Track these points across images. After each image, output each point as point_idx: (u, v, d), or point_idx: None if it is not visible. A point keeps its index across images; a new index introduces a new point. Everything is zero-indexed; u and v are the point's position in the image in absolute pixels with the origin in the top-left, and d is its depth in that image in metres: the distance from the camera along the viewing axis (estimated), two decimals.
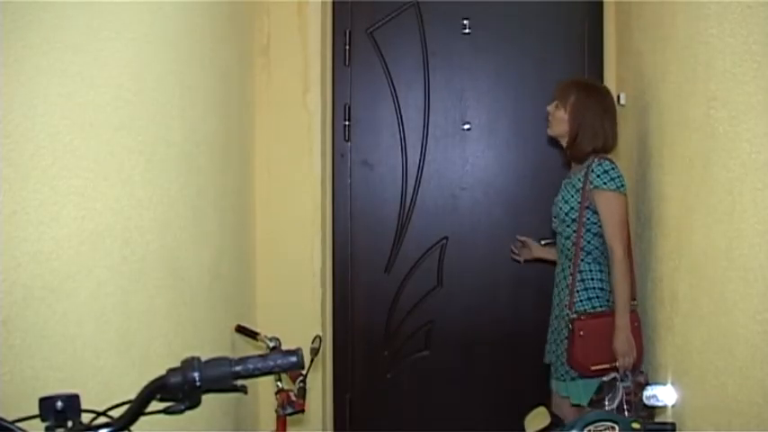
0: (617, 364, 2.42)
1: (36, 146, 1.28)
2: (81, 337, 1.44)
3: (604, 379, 2.45)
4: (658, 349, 2.40)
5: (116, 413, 1.05)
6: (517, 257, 2.98)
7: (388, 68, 3.34)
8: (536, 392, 3.06)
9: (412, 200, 3.36)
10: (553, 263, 2.78)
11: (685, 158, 2.12)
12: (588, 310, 2.52)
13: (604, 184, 2.49)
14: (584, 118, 2.58)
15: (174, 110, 2.01)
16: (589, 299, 2.54)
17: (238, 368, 1.05)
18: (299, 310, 3.14)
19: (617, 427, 1.92)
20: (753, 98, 1.66)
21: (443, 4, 3.32)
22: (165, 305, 1.91)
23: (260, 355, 1.07)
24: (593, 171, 2.51)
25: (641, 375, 2.46)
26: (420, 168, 3.36)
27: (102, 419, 1.04)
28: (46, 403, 1.00)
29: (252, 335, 2.57)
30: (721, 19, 1.83)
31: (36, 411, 1.00)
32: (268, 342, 2.46)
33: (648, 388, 2.03)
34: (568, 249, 2.62)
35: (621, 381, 2.42)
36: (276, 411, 2.34)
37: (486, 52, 3.32)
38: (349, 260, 3.37)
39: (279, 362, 1.06)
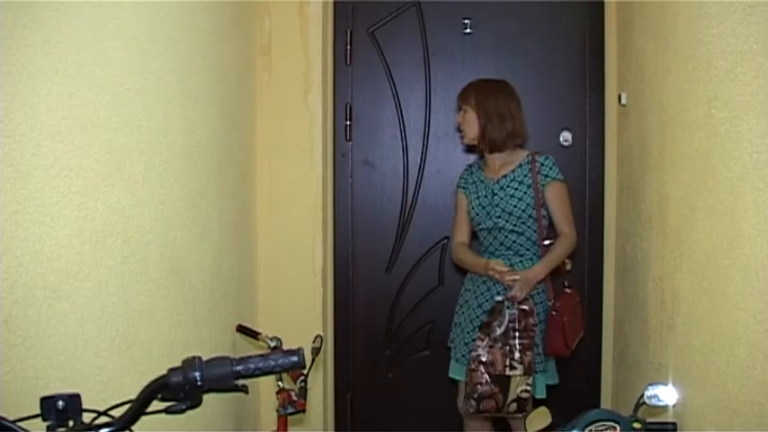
0: (509, 291, 2.58)
1: (37, 145, 1.28)
2: (82, 337, 1.44)
3: (497, 299, 2.62)
4: (659, 349, 2.40)
5: (117, 413, 1.05)
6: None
7: (389, 68, 3.34)
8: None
9: (413, 199, 3.36)
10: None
11: (686, 158, 2.12)
12: (556, 294, 2.71)
13: (557, 175, 2.70)
14: (489, 108, 2.72)
15: (176, 109, 2.01)
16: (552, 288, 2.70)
17: (239, 368, 1.05)
18: (300, 310, 3.14)
19: (618, 427, 1.92)
20: (754, 98, 1.66)
21: (444, 4, 3.32)
22: (165, 305, 1.91)
23: (261, 355, 1.07)
24: (543, 165, 2.69)
25: (526, 302, 2.60)
26: (421, 168, 3.36)
27: (104, 419, 1.04)
28: (47, 403, 1.00)
29: (253, 334, 2.57)
30: (722, 19, 1.83)
31: (37, 411, 1.01)
32: (269, 342, 2.46)
33: (650, 387, 2.03)
34: (520, 245, 2.70)
35: (508, 308, 2.56)
36: (277, 411, 2.34)
37: (487, 52, 3.32)
38: (350, 260, 3.37)
39: (280, 361, 1.07)
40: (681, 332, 2.17)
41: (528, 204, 2.67)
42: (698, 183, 2.01)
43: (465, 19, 3.31)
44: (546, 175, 2.68)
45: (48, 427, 1.01)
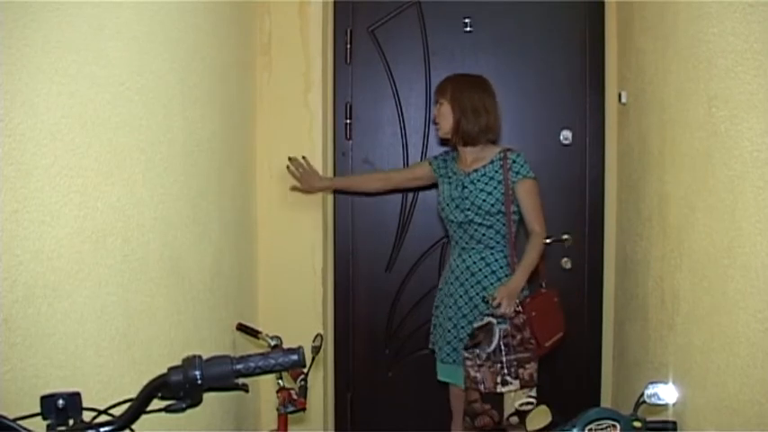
0: (498, 310, 2.57)
1: (37, 145, 1.28)
2: (82, 336, 1.44)
3: (476, 325, 2.60)
4: (659, 348, 2.40)
5: (117, 411, 1.05)
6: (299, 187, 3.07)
7: (389, 67, 3.34)
8: (536, 390, 3.07)
9: (413, 198, 3.36)
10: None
11: (686, 157, 2.12)
12: (525, 294, 2.71)
13: (528, 173, 2.73)
14: (464, 102, 2.75)
15: (176, 109, 2.01)
16: None
17: (240, 366, 1.05)
18: (300, 309, 3.14)
19: (618, 426, 1.92)
20: (754, 97, 1.66)
21: (444, 4, 3.32)
22: (166, 304, 1.91)
23: (261, 354, 1.07)
24: (514, 162, 2.72)
25: (517, 318, 2.59)
26: None
27: (104, 418, 1.04)
28: (47, 401, 1.00)
29: (253, 333, 2.57)
30: (722, 18, 1.83)
31: (37, 409, 1.01)
32: (269, 340, 2.46)
33: (650, 386, 2.03)
34: (490, 238, 2.74)
35: (499, 324, 2.56)
36: (277, 410, 2.34)
37: (487, 51, 3.31)
38: (350, 259, 3.37)
39: (280, 360, 1.07)
40: (681, 331, 2.17)
41: (497, 200, 2.71)
42: (698, 182, 2.01)
43: (465, 18, 3.30)
44: (517, 173, 2.72)
45: (48, 426, 1.01)
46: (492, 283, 2.72)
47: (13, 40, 1.21)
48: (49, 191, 1.32)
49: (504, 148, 2.79)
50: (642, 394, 2.03)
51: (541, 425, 2.11)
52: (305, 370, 2.30)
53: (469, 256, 2.77)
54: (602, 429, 1.92)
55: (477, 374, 2.53)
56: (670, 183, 2.30)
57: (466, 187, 2.76)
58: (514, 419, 2.53)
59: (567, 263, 3.29)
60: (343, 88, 3.34)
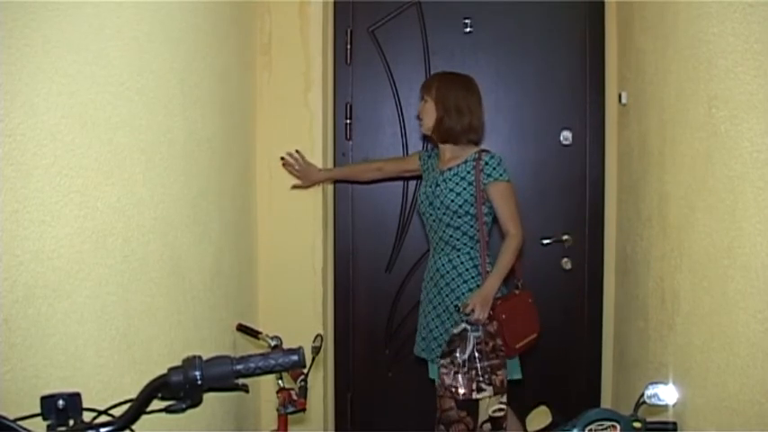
0: (471, 317, 2.55)
1: (37, 145, 1.28)
2: (82, 336, 1.44)
3: (455, 331, 2.58)
4: (659, 348, 2.40)
5: (117, 412, 1.05)
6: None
7: (389, 67, 3.34)
8: (537, 391, 3.07)
9: (413, 198, 3.36)
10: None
11: (686, 157, 2.12)
12: (497, 295, 2.65)
13: (500, 175, 2.68)
14: (447, 100, 2.73)
15: (176, 109, 2.01)
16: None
17: (240, 367, 1.05)
18: (300, 309, 3.14)
19: (618, 426, 1.92)
20: (754, 97, 1.66)
21: (445, 4, 3.32)
22: (166, 304, 1.91)
23: (261, 354, 1.07)
24: (486, 164, 2.68)
25: (490, 325, 2.58)
26: None
27: (104, 418, 1.04)
28: (47, 402, 1.00)
29: (253, 333, 2.57)
30: (723, 18, 1.83)
31: (37, 410, 1.01)
32: (269, 341, 2.46)
33: (650, 387, 2.03)
34: (456, 239, 2.71)
35: (473, 331, 2.54)
36: (277, 410, 2.34)
37: (487, 52, 3.32)
38: (350, 259, 3.37)
39: (280, 360, 1.07)
40: (681, 331, 2.17)
41: (466, 201, 2.68)
42: (698, 182, 2.01)
43: (465, 18, 3.31)
44: (489, 175, 2.67)
45: (48, 427, 1.01)
46: (459, 286, 2.69)
47: (13, 40, 1.21)
48: (49, 191, 1.32)
49: (480, 149, 2.75)
50: (642, 395, 2.03)
51: (541, 425, 2.11)
52: (305, 370, 2.30)
53: (439, 258, 2.76)
54: (602, 430, 1.92)
55: (453, 381, 2.52)
56: (670, 183, 2.30)
57: (438, 185, 2.75)
58: (487, 426, 2.53)
59: (567, 263, 3.29)
60: (344, 88, 3.34)
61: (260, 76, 3.11)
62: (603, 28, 3.26)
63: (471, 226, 2.70)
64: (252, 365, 1.05)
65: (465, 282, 2.69)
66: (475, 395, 2.51)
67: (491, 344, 2.56)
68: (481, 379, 2.51)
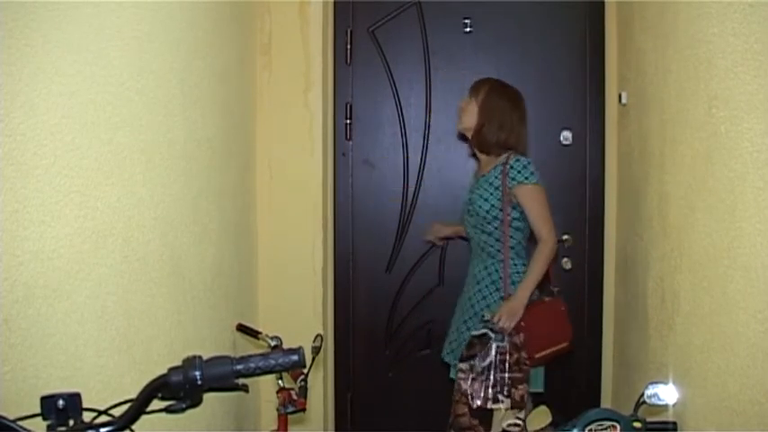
0: (497, 325, 2.51)
1: (37, 144, 1.28)
2: (82, 336, 1.44)
3: (474, 333, 2.55)
4: (659, 348, 2.40)
5: (117, 412, 1.05)
6: (431, 240, 3.22)
7: (389, 67, 3.34)
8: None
9: (413, 199, 3.36)
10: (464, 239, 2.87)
11: (686, 157, 2.12)
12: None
13: (525, 179, 2.61)
14: (492, 110, 2.70)
15: (176, 109, 2.01)
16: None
17: (240, 367, 1.05)
18: (300, 309, 3.14)
19: (618, 426, 1.92)
20: (754, 97, 1.66)
21: (445, 4, 3.32)
22: (166, 304, 1.91)
23: (261, 354, 1.07)
24: (511, 167, 2.62)
25: (517, 336, 2.52)
26: (421, 167, 3.36)
27: (104, 418, 1.04)
28: (47, 402, 1.00)
29: (253, 334, 2.57)
30: (723, 18, 1.82)
31: (37, 410, 1.01)
32: (269, 341, 2.46)
33: (650, 387, 2.03)
34: (490, 246, 2.68)
35: (497, 340, 2.50)
36: (277, 410, 2.34)
37: (487, 52, 3.32)
38: (350, 259, 3.37)
39: (280, 360, 1.07)
40: (681, 331, 2.17)
41: (493, 206, 2.65)
42: (698, 182, 2.01)
43: (465, 18, 3.31)
44: (513, 178, 2.62)
45: (48, 427, 1.01)
46: (491, 293, 2.66)
47: (13, 40, 1.21)
48: (49, 191, 1.32)
49: (510, 153, 2.69)
50: (642, 395, 2.03)
51: (541, 425, 2.11)
52: (305, 370, 2.30)
53: (476, 265, 2.74)
54: (602, 430, 1.92)
55: (469, 388, 2.50)
56: (670, 183, 2.30)
57: (473, 192, 2.74)
58: None
59: (567, 263, 3.29)
60: (344, 88, 3.34)
61: (260, 76, 3.11)
62: (603, 28, 3.26)
63: (503, 232, 2.66)
64: (252, 365, 1.05)
65: (498, 290, 2.66)
66: (490, 405, 2.46)
67: (515, 356, 2.50)
68: (499, 390, 2.47)
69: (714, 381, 1.87)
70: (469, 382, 2.49)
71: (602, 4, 3.27)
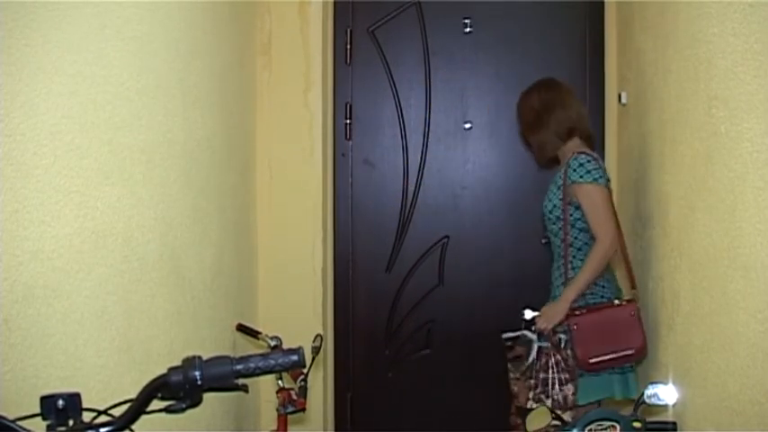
0: (539, 326, 2.47)
1: (37, 144, 1.28)
2: (82, 336, 1.44)
3: (510, 335, 2.52)
4: (659, 348, 2.40)
5: (117, 412, 1.05)
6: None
7: (389, 67, 3.34)
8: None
9: (413, 199, 3.36)
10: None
11: (686, 157, 2.12)
12: (582, 305, 2.50)
13: (581, 177, 2.50)
14: (522, 113, 2.71)
15: (176, 109, 2.01)
16: (583, 295, 2.51)
17: (239, 367, 1.05)
18: (300, 309, 3.14)
19: (618, 426, 1.92)
20: (754, 97, 1.66)
21: (444, 4, 3.32)
22: (165, 304, 1.91)
23: (261, 354, 1.07)
24: (569, 166, 2.54)
25: (556, 336, 2.47)
26: (421, 167, 3.36)
27: (104, 418, 1.04)
28: (47, 402, 1.00)
29: (253, 334, 2.57)
30: (723, 18, 1.83)
31: (37, 410, 1.00)
32: (269, 341, 2.46)
33: (650, 387, 2.03)
34: (558, 247, 2.62)
35: (538, 341, 2.47)
36: (277, 410, 2.34)
37: (487, 51, 3.31)
38: (350, 259, 3.37)
39: (280, 360, 1.06)
40: (681, 331, 2.17)
41: (555, 206, 2.59)
42: (698, 182, 2.01)
43: (465, 18, 3.31)
44: (569, 177, 2.53)
45: (48, 427, 1.00)
46: (559, 294, 2.57)
47: (13, 40, 1.21)
48: (49, 191, 1.32)
49: (577, 151, 2.56)
50: (642, 394, 2.03)
51: (541, 425, 2.11)
52: (305, 370, 2.30)
53: (554, 269, 2.67)
54: (602, 430, 1.92)
55: (515, 388, 2.49)
56: (670, 183, 2.30)
57: (546, 194, 2.70)
58: None
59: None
60: (343, 88, 3.34)
61: (260, 76, 3.11)
62: (603, 28, 3.26)
63: (565, 232, 2.58)
64: (252, 365, 1.05)
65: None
66: (530, 404, 2.42)
67: (557, 356, 2.46)
68: (540, 390, 2.44)
69: (714, 381, 1.87)
70: (514, 382, 2.49)
71: (602, 4, 3.27)
